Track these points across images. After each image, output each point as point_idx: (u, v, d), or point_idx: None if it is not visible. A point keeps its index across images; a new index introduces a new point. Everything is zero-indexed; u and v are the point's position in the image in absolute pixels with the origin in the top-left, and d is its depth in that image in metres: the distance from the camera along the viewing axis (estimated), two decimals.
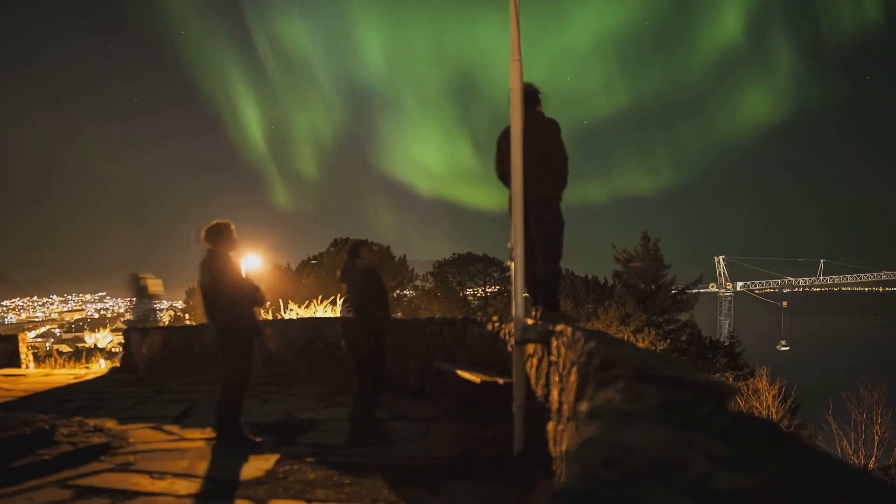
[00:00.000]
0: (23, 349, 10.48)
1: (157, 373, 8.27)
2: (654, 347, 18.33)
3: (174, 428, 4.76)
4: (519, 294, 3.44)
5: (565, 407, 2.51)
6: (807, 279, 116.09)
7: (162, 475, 3.44)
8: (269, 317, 13.70)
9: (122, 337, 9.42)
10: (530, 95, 4.04)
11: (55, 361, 12.24)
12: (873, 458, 14.76)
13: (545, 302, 4.14)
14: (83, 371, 9.62)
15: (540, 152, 3.90)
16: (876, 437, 14.97)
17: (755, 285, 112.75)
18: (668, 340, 20.18)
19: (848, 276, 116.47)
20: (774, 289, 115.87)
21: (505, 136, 3.97)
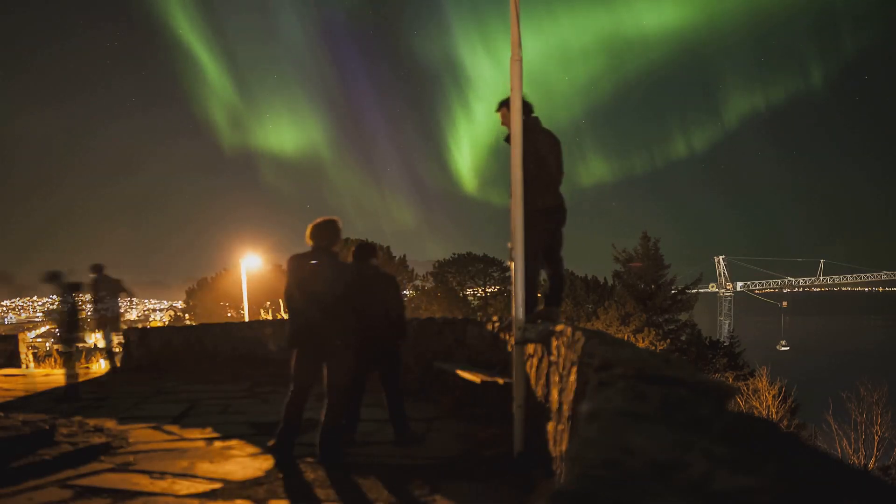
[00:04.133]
0: (23, 349, 10.49)
1: (157, 373, 8.27)
2: (654, 347, 18.34)
3: (174, 428, 4.76)
4: (519, 294, 3.44)
5: (565, 407, 2.52)
6: (807, 279, 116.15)
7: (162, 475, 3.44)
8: (269, 317, 13.72)
9: (122, 337, 9.42)
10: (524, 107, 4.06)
11: (55, 361, 12.24)
12: (873, 458, 14.77)
13: (546, 302, 4.15)
14: (83, 371, 9.62)
15: (534, 162, 3.88)
16: (876, 437, 14.98)
17: (755, 285, 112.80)
18: (668, 340, 20.20)
19: (848, 276, 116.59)
20: (774, 289, 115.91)
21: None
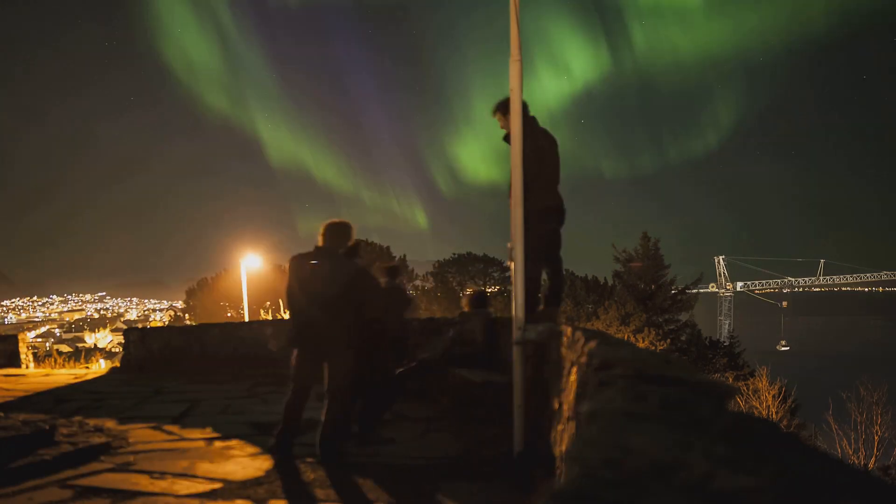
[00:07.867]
0: (23, 349, 10.48)
1: (157, 373, 8.26)
2: (654, 347, 18.35)
3: (174, 428, 4.75)
4: (519, 294, 3.44)
5: (565, 407, 2.52)
6: (807, 279, 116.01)
7: (162, 475, 3.43)
8: (269, 317, 13.74)
9: (122, 337, 9.42)
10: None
11: (55, 361, 12.23)
12: (873, 458, 14.77)
13: (546, 302, 4.15)
14: (83, 371, 9.61)
15: (535, 162, 3.87)
16: (876, 437, 14.98)
17: (755, 285, 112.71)
18: (668, 340, 20.19)
19: (848, 276, 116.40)
20: (774, 289, 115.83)
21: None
